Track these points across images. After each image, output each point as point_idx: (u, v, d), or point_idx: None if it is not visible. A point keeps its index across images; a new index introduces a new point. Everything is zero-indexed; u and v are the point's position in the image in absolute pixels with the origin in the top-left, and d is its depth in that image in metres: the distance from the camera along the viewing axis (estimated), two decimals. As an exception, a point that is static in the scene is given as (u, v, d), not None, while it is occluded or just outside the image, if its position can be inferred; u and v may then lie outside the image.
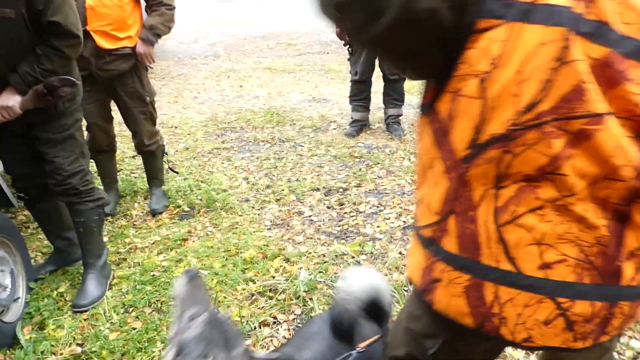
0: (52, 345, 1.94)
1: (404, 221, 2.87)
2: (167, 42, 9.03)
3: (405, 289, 2.23)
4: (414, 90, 4.92)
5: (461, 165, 0.87)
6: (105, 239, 2.55)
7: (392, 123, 4.29)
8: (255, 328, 2.03)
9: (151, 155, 3.01)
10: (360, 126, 4.33)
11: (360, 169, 3.57)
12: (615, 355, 1.79)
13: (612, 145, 0.78)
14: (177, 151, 3.99)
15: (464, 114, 0.83)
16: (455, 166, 0.88)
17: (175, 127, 4.62)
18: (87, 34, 2.38)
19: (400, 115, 4.32)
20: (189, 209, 3.06)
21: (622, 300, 0.88)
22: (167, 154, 3.15)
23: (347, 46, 4.10)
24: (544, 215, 0.83)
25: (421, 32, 0.80)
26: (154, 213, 2.99)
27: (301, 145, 4.09)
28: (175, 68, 7.31)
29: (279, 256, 2.53)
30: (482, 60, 0.79)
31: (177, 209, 3.06)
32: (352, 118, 4.35)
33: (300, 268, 2.41)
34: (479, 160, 0.84)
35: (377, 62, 4.09)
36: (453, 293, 0.95)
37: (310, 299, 2.19)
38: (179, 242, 2.68)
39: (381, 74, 4.17)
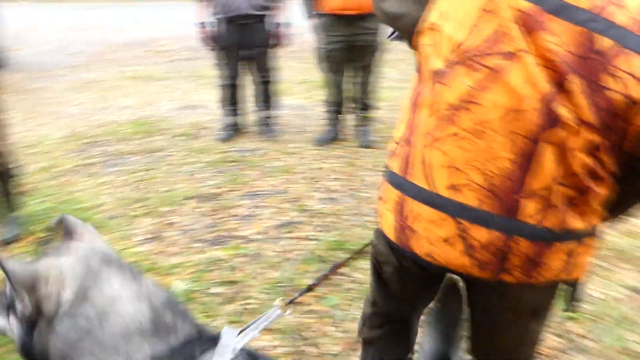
0: None
1: (279, 219, 2.92)
2: (20, 52, 8.20)
3: (279, 284, 2.28)
4: (284, 92, 5.02)
5: (417, 99, 1.05)
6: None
7: (264, 125, 4.34)
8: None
9: (-4, 179, 2.71)
10: (232, 130, 4.31)
11: (234, 173, 3.56)
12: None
13: (523, 79, 0.89)
14: (31, 172, 3.64)
15: (425, 60, 1.03)
16: (415, 102, 1.06)
17: (30, 146, 4.20)
18: None
19: (271, 117, 4.39)
20: (47, 235, 2.81)
21: (518, 236, 0.95)
22: (13, 177, 2.84)
23: (213, 51, 4.07)
24: (458, 142, 0.95)
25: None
26: (4, 243, 2.69)
27: (172, 155, 3.96)
28: (29, 81, 6.65)
29: (151, 270, 2.43)
30: (435, 15, 1.00)
31: (33, 236, 2.79)
32: (224, 123, 4.32)
33: (175, 279, 2.35)
34: (424, 91, 1.02)
35: (246, 65, 4.11)
36: (388, 209, 1.09)
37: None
38: (36, 271, 2.45)
39: (251, 77, 4.19)
